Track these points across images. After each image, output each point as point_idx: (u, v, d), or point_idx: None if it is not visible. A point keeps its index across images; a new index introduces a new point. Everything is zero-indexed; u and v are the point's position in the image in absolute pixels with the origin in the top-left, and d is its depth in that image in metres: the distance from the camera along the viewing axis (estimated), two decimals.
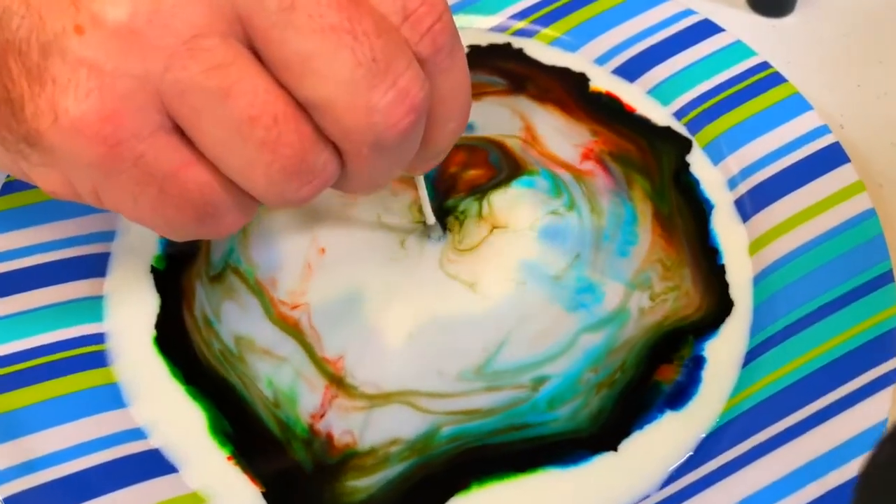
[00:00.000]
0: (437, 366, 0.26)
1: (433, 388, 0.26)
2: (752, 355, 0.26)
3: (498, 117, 0.33)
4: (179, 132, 0.19)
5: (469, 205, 0.30)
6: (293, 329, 0.27)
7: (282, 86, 0.19)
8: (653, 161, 0.31)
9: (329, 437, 0.25)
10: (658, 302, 0.28)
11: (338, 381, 0.26)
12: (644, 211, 0.30)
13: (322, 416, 0.25)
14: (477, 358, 0.27)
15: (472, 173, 0.31)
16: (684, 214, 0.30)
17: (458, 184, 0.31)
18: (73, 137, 0.19)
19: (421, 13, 0.20)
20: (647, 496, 0.24)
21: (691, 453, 0.24)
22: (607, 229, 0.29)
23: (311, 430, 0.25)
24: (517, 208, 0.30)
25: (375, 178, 0.22)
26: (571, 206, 0.30)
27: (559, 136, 0.32)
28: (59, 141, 0.19)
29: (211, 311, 0.28)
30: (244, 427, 0.25)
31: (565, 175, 0.31)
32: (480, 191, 0.31)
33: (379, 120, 0.19)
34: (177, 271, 0.28)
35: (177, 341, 0.27)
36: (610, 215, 0.30)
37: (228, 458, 0.25)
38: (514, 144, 0.32)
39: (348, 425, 0.25)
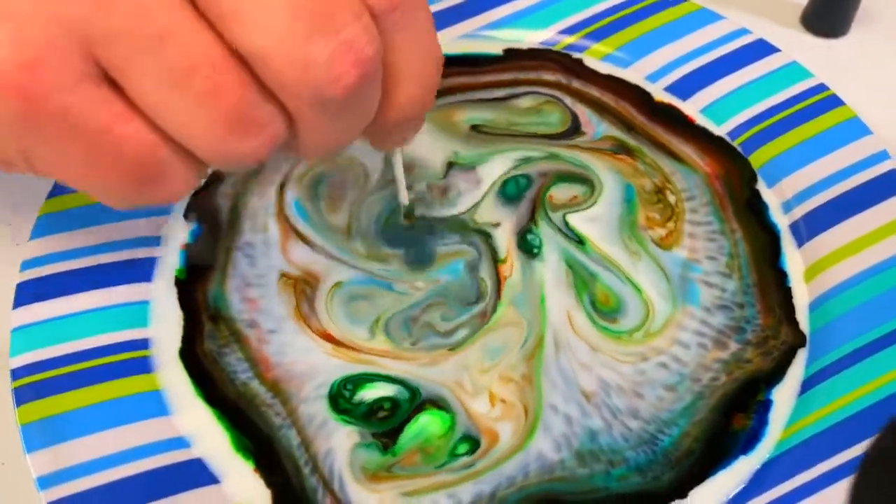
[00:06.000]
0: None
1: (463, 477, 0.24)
2: (805, 386, 0.26)
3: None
4: (111, 83, 0.18)
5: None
6: (282, 397, 0.26)
7: (220, 34, 0.18)
8: (739, 187, 0.30)
9: None
10: (736, 370, 0.26)
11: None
12: (752, 268, 0.28)
13: None
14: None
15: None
16: (764, 247, 0.29)
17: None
18: None
19: None
20: None
21: (744, 484, 0.24)
22: (748, 309, 0.27)
23: None
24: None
25: (326, 141, 0.20)
26: (733, 258, 0.28)
27: (673, 136, 0.31)
28: None
29: (216, 350, 0.27)
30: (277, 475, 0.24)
31: (717, 199, 0.30)
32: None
33: (319, 74, 0.18)
34: (193, 292, 0.27)
35: (198, 364, 0.26)
36: (743, 283, 0.28)
37: (254, 471, 0.24)
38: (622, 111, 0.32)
39: None
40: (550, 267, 0.28)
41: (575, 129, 0.32)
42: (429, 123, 0.32)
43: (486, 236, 0.29)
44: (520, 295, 0.27)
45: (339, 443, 0.25)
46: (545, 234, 0.29)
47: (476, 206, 0.30)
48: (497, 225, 0.29)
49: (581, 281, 0.28)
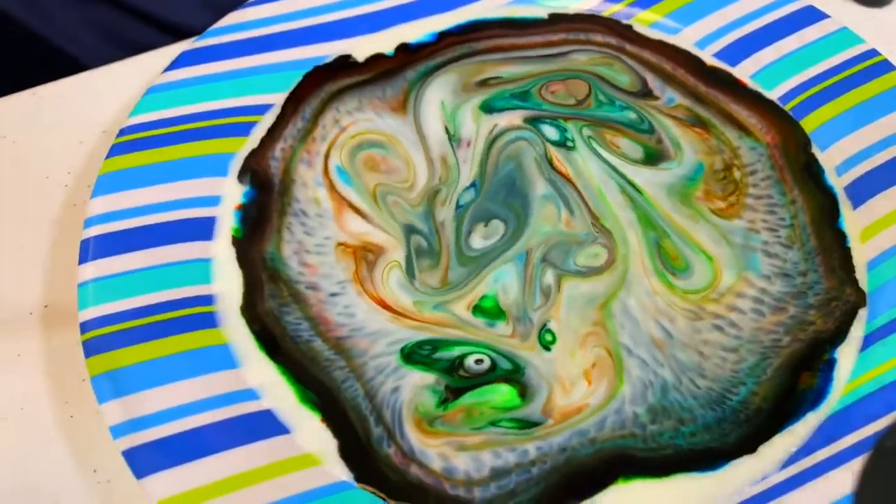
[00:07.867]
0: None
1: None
2: (864, 344, 0.26)
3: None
4: None
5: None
6: (346, 354, 0.26)
7: None
8: (795, 154, 0.30)
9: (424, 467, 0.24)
10: (799, 332, 0.26)
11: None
12: (812, 234, 0.28)
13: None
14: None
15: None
16: (822, 210, 0.29)
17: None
18: None
19: None
20: (766, 477, 0.23)
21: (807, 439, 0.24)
22: (811, 276, 0.27)
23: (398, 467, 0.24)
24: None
25: None
26: (794, 229, 0.28)
27: (731, 101, 0.32)
28: None
29: (277, 309, 0.27)
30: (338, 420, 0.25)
31: (777, 171, 0.30)
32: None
33: None
34: (251, 252, 0.28)
35: (259, 321, 0.26)
36: (805, 250, 0.28)
37: (321, 422, 0.25)
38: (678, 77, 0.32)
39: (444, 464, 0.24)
40: (592, 162, 0.30)
41: (646, 91, 0.32)
42: (450, 76, 0.32)
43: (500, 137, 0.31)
44: (588, 187, 0.29)
45: (411, 381, 0.25)
46: (578, 142, 0.30)
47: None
48: (495, 125, 0.31)
49: (645, 217, 0.29)
